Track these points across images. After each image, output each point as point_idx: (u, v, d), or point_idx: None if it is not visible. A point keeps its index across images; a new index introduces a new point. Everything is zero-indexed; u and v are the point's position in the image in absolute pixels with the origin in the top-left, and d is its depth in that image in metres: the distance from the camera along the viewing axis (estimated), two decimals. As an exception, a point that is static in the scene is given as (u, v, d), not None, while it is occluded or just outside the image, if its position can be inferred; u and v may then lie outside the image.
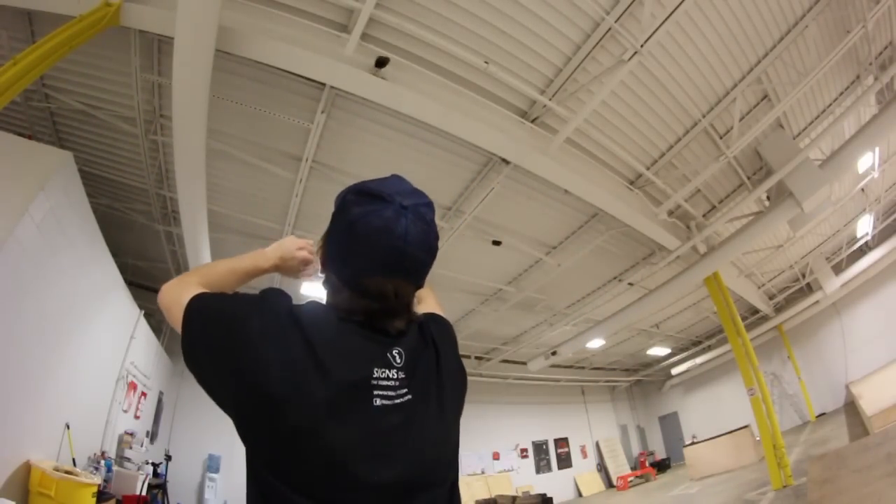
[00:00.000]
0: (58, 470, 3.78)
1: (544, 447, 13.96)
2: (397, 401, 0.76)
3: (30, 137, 4.54)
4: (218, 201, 6.10)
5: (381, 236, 0.75)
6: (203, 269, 0.95)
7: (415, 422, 0.77)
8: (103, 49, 4.26)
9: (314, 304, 0.81)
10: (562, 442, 14.30)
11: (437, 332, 0.92)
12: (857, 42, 5.05)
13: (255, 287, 0.91)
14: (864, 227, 9.93)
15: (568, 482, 13.68)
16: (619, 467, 14.52)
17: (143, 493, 5.42)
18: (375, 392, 0.74)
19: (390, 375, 0.77)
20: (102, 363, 5.28)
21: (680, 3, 3.81)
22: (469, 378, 0.97)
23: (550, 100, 4.89)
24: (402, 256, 0.76)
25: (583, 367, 14.79)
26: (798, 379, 12.43)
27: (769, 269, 10.45)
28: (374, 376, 0.75)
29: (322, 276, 0.89)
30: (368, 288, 0.77)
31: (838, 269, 10.99)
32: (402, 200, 0.78)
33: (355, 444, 0.69)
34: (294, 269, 1.05)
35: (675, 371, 15.37)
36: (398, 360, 0.79)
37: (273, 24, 3.75)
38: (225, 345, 0.73)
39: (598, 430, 15.26)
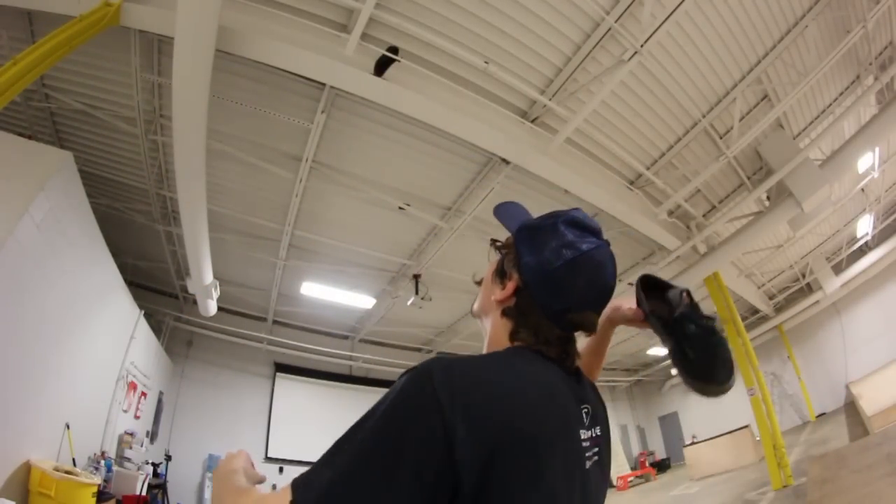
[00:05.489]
0: (58, 470, 3.78)
1: (544, 447, 13.91)
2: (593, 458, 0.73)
3: (30, 137, 4.55)
4: (218, 201, 6.11)
5: (604, 271, 0.75)
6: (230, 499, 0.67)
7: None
8: (103, 49, 4.26)
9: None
10: None
11: (594, 387, 0.86)
12: (857, 42, 5.05)
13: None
14: (864, 227, 9.93)
15: (568, 482, 13.65)
16: (619, 467, 14.48)
17: (143, 493, 5.43)
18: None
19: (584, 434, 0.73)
20: (102, 363, 5.28)
21: (680, 3, 3.81)
22: None
23: (550, 100, 4.89)
24: (611, 293, 0.76)
25: (583, 367, 14.80)
26: (798, 379, 12.41)
27: (769, 269, 10.45)
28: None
29: (500, 305, 0.80)
30: (580, 322, 0.75)
31: (838, 269, 10.98)
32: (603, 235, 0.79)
33: None
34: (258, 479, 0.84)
35: (675, 371, 15.32)
36: (588, 414, 0.75)
37: (273, 24, 3.76)
38: None
39: (598, 430, 15.25)
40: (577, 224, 0.77)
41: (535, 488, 0.60)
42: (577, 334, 0.79)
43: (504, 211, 0.89)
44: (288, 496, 0.52)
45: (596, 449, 0.74)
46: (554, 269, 0.73)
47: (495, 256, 0.85)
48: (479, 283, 0.89)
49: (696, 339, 0.80)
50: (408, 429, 0.56)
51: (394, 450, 0.54)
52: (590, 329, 0.77)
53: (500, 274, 0.81)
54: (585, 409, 0.75)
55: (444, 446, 0.55)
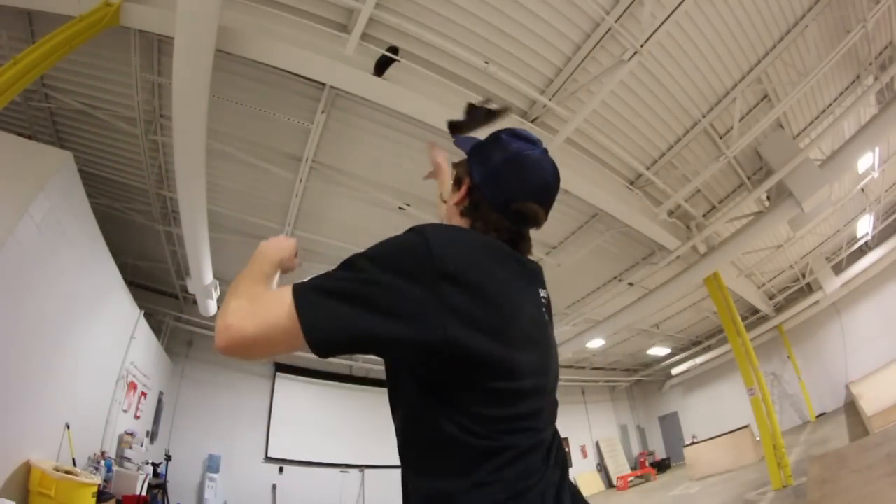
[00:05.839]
0: (58, 470, 3.78)
1: (544, 447, 13.89)
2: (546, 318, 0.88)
3: (30, 137, 4.54)
4: (218, 201, 6.11)
5: (540, 169, 0.89)
6: (245, 281, 0.79)
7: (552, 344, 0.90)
8: (103, 49, 4.26)
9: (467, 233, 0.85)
10: (562, 442, 14.21)
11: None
12: (857, 42, 5.05)
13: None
14: (864, 227, 9.93)
15: (568, 482, 13.64)
16: (619, 467, 14.51)
17: (143, 493, 5.42)
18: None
19: (542, 294, 0.88)
20: (102, 363, 5.28)
21: (680, 3, 3.81)
22: None
23: (550, 100, 4.89)
24: (552, 190, 0.92)
25: (583, 367, 14.80)
26: (798, 379, 12.42)
27: (769, 269, 10.45)
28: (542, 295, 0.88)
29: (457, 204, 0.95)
30: (524, 212, 0.88)
31: (838, 269, 10.98)
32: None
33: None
34: (292, 266, 1.02)
35: (675, 371, 15.36)
36: (543, 285, 0.92)
37: (273, 24, 3.76)
38: None
39: (597, 430, 15.25)
40: (516, 135, 0.93)
41: (514, 323, 0.73)
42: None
43: (462, 140, 1.05)
44: (288, 299, 0.65)
45: (550, 308, 0.91)
46: (493, 167, 0.89)
47: (454, 173, 1.01)
48: (446, 202, 1.03)
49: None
50: (400, 261, 0.68)
51: (386, 281, 0.66)
52: (535, 221, 0.90)
53: (457, 182, 0.97)
54: (539, 276, 0.90)
55: (432, 278, 0.66)
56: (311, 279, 0.68)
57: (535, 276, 0.88)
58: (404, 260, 0.68)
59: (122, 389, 5.68)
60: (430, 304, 0.65)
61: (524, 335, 0.74)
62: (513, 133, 0.93)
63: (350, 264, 0.69)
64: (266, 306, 0.66)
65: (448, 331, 0.65)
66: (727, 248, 6.98)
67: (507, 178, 0.88)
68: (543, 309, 0.86)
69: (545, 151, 0.92)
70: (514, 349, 0.71)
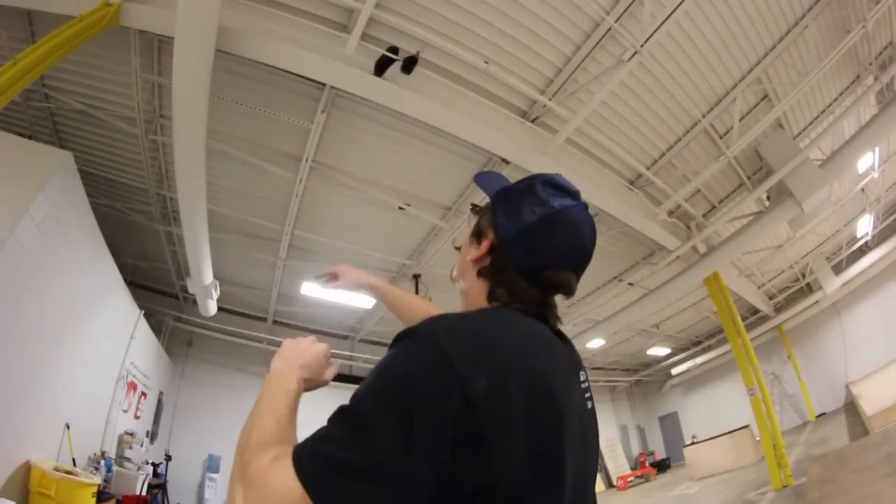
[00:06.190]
0: (58, 470, 3.78)
1: (544, 447, 13.86)
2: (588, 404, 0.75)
3: (30, 137, 4.55)
4: (218, 201, 6.11)
5: (579, 231, 0.74)
6: (250, 449, 0.58)
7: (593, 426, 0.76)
8: (103, 49, 4.26)
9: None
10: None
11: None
12: (857, 42, 5.05)
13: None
14: (864, 227, 9.93)
15: (568, 482, 13.62)
16: (619, 467, 14.50)
17: (143, 493, 5.43)
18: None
19: (583, 379, 0.75)
20: (102, 363, 5.28)
21: (680, 3, 3.81)
22: None
23: (550, 100, 4.89)
24: (589, 254, 0.77)
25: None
26: (798, 379, 12.42)
27: (769, 269, 10.45)
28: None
29: (477, 264, 0.79)
30: (556, 281, 0.74)
31: (838, 269, 10.98)
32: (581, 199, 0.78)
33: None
34: (323, 382, 0.83)
35: (675, 371, 15.36)
36: (579, 361, 0.78)
37: (273, 24, 3.76)
38: None
39: (597, 430, 15.24)
40: (554, 185, 0.77)
41: (559, 431, 0.59)
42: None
43: (485, 178, 0.88)
44: (297, 487, 0.48)
45: (590, 392, 0.77)
46: (527, 226, 0.73)
47: (474, 220, 0.85)
48: (459, 249, 0.89)
49: None
50: (423, 400, 0.52)
51: (405, 433, 0.50)
52: (567, 291, 0.76)
53: (477, 235, 0.81)
54: (576, 357, 0.77)
55: (463, 409, 0.52)
56: (313, 447, 0.52)
57: (577, 362, 0.74)
58: (421, 393, 0.52)
59: (122, 389, 5.68)
60: (463, 447, 0.51)
61: (567, 452, 0.60)
62: (549, 182, 0.77)
63: (353, 415, 0.54)
64: (277, 499, 0.49)
65: (489, 471, 0.52)
66: (727, 248, 6.98)
67: (540, 241, 0.72)
68: (587, 396, 0.74)
69: (585, 206, 0.76)
70: (558, 477, 0.58)
